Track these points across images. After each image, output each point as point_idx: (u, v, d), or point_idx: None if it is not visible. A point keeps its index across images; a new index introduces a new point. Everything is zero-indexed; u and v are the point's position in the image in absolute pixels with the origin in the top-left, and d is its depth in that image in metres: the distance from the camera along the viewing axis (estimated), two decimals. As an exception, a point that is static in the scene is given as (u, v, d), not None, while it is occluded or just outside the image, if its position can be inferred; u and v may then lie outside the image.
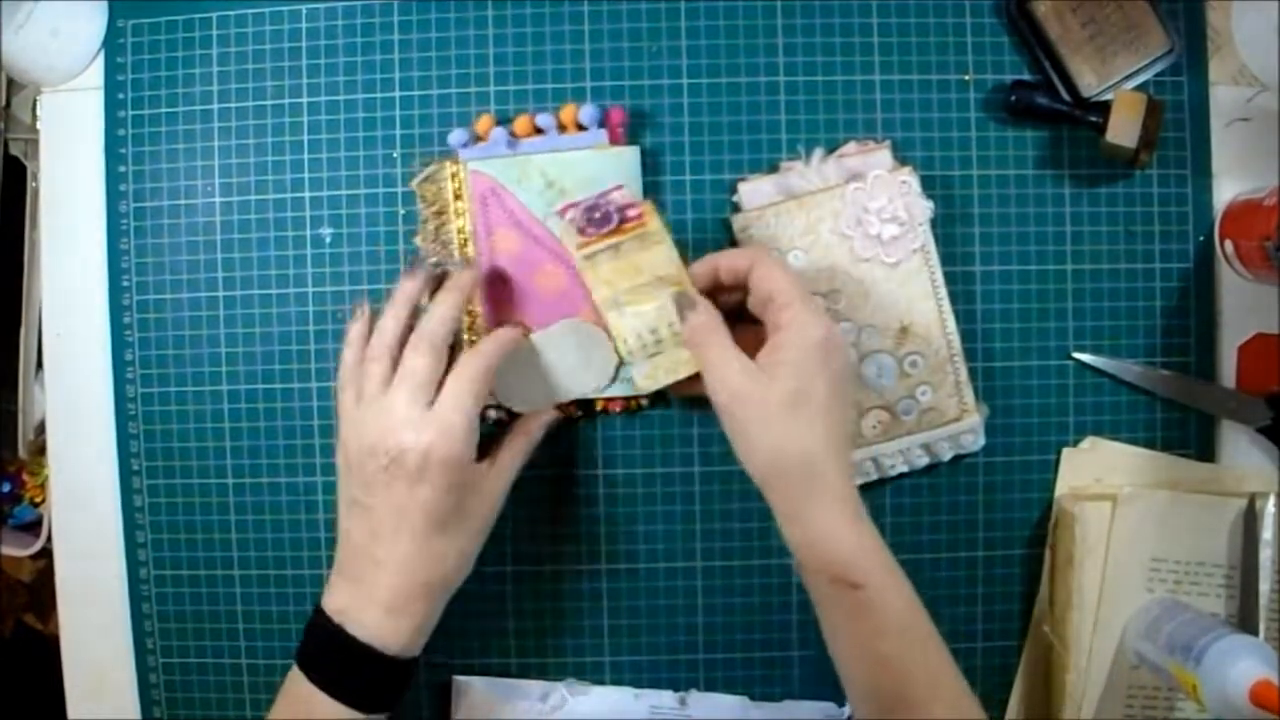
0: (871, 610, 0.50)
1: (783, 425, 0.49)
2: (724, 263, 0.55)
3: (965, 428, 0.62)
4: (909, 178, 0.61)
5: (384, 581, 0.52)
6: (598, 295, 0.57)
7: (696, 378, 0.55)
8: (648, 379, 0.57)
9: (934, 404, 0.62)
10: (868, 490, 0.63)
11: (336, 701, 0.51)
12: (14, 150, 0.73)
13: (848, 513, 0.50)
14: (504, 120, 0.63)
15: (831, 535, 0.50)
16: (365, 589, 0.52)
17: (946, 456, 0.62)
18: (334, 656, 0.52)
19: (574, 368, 0.60)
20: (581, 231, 0.56)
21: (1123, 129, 0.60)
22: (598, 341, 0.59)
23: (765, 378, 0.50)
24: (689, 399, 0.62)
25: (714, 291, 0.56)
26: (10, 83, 0.73)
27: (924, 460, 0.62)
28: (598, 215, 0.56)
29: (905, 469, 0.63)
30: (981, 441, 0.62)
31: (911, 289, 0.61)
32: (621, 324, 0.57)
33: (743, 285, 0.54)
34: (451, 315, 0.54)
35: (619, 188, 0.57)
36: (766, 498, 0.52)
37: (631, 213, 0.56)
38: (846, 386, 0.54)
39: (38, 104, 0.68)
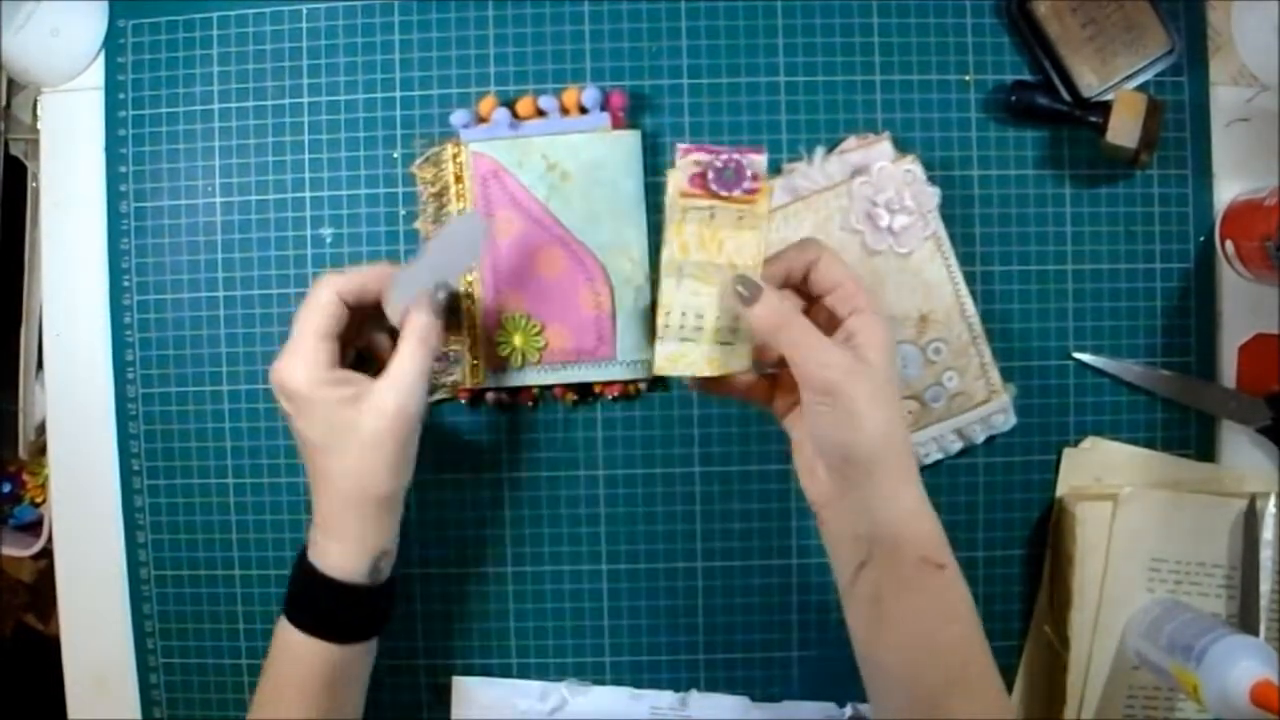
0: (950, 592, 0.50)
1: (890, 404, 0.49)
2: (794, 254, 0.52)
3: (995, 408, 0.62)
4: (912, 166, 0.61)
5: (318, 510, 0.54)
6: (666, 253, 0.52)
7: (719, 379, 0.54)
8: (669, 361, 0.53)
9: (962, 388, 0.62)
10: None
11: (299, 630, 0.53)
12: (14, 150, 0.73)
13: (925, 495, 0.51)
14: (506, 101, 0.63)
15: (923, 514, 0.51)
16: (315, 519, 0.54)
17: (980, 439, 0.63)
18: (295, 585, 0.54)
19: (447, 251, 0.56)
20: (694, 181, 0.51)
21: (1123, 129, 0.60)
22: (468, 224, 0.57)
23: (861, 357, 0.49)
24: (689, 390, 0.63)
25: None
26: (11, 83, 0.72)
27: (958, 445, 0.63)
28: (727, 171, 0.51)
29: (940, 456, 0.63)
30: (1013, 420, 0.63)
31: (927, 277, 0.61)
32: (675, 295, 0.52)
33: (799, 283, 0.53)
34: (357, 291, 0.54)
35: (760, 151, 0.51)
36: (859, 483, 0.50)
37: (752, 185, 0.51)
38: None
39: (38, 104, 0.68)
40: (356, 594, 0.53)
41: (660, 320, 0.52)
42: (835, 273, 0.51)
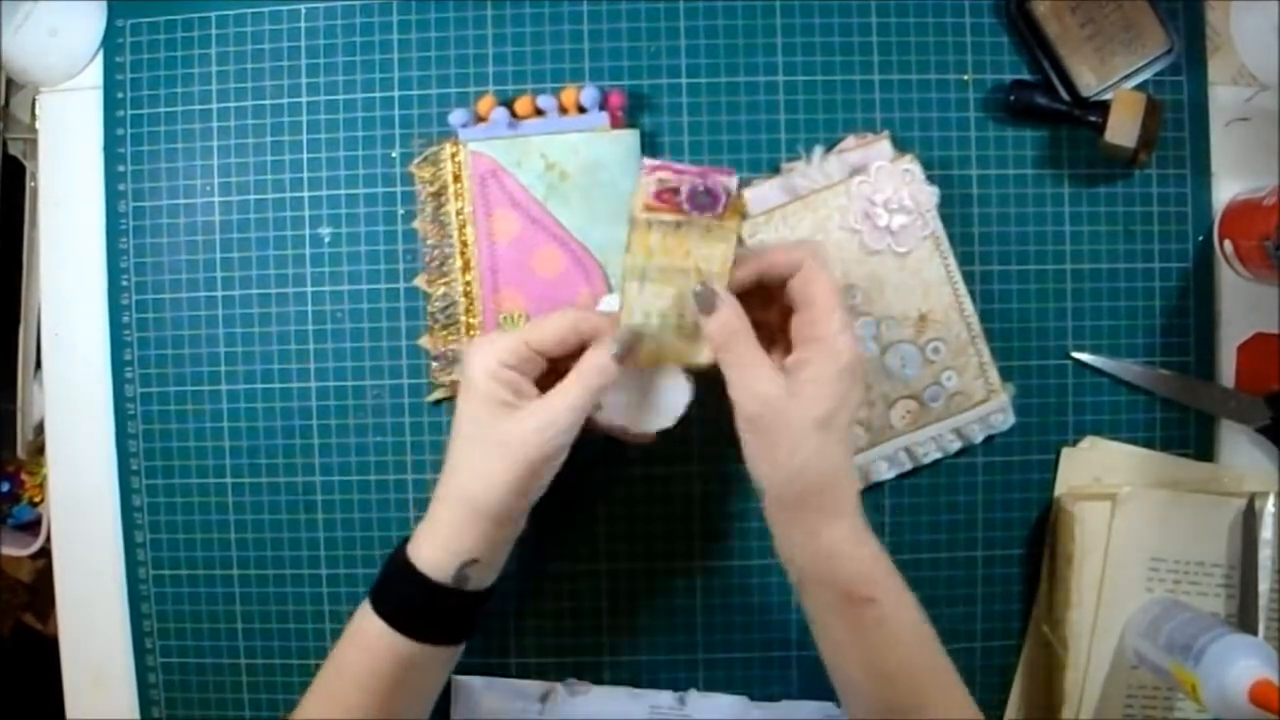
0: (884, 624, 0.50)
1: (814, 444, 0.48)
2: (776, 258, 0.52)
3: (994, 408, 0.62)
4: (911, 165, 0.61)
5: (434, 499, 0.53)
6: (629, 259, 0.52)
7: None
8: (647, 358, 0.54)
9: (960, 388, 0.62)
10: (869, 491, 0.63)
11: (375, 615, 0.52)
12: (13, 150, 0.73)
13: (859, 529, 0.50)
14: (505, 101, 0.63)
15: (846, 551, 0.50)
16: (428, 509, 0.53)
17: (979, 439, 0.63)
18: (385, 569, 0.54)
19: (649, 400, 0.56)
20: (660, 197, 0.50)
21: (1122, 129, 0.60)
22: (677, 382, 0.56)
23: (798, 391, 0.49)
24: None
25: (745, 294, 0.53)
26: (9, 82, 0.72)
27: (956, 445, 0.63)
28: (700, 195, 0.50)
29: (939, 455, 0.63)
30: (1012, 419, 0.63)
31: (926, 276, 0.62)
32: (638, 298, 0.52)
33: (778, 285, 0.52)
34: (558, 338, 0.53)
35: (730, 173, 0.51)
36: (777, 515, 0.51)
37: (722, 209, 0.51)
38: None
39: (37, 103, 0.68)
40: (437, 591, 0.52)
41: (623, 320, 0.52)
42: (812, 290, 0.50)
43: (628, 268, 0.52)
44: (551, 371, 0.53)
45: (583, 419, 0.51)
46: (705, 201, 0.50)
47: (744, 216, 0.52)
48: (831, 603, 0.50)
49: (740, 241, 0.52)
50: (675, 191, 0.50)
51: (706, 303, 0.50)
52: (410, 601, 0.52)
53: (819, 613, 0.52)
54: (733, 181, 0.50)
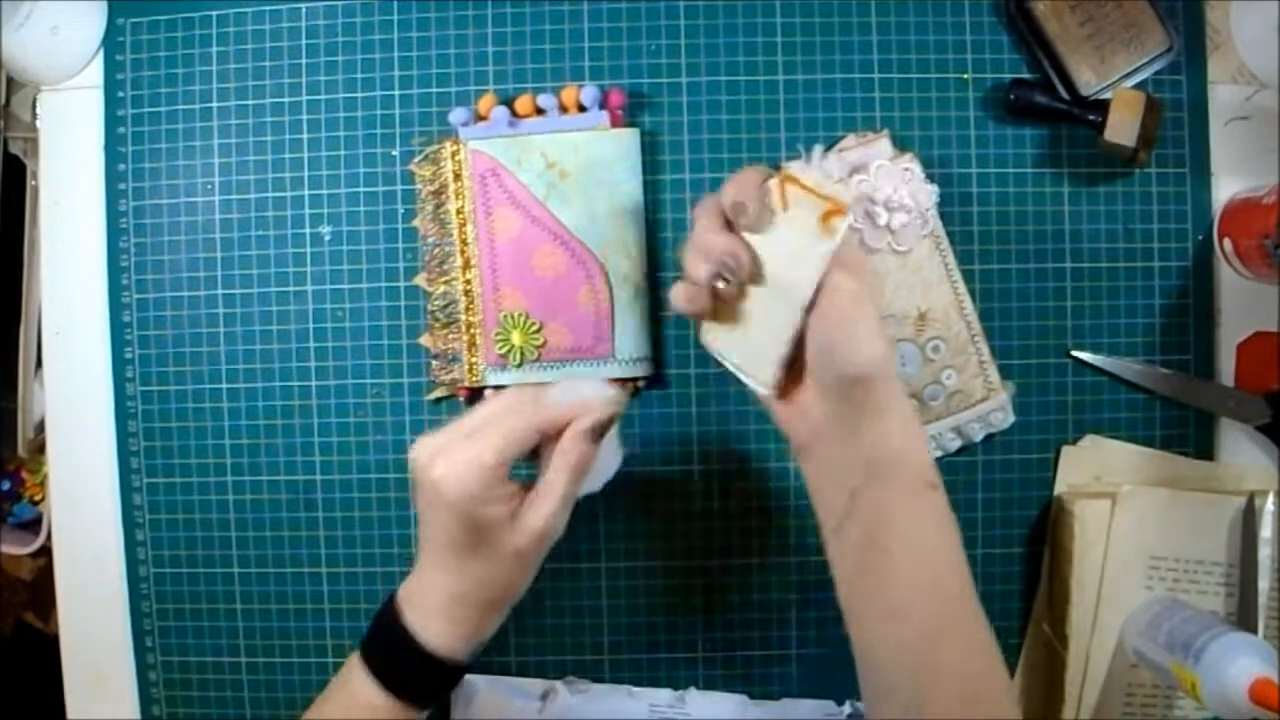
0: (945, 512, 0.49)
1: (882, 324, 0.49)
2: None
3: (994, 406, 0.62)
4: (911, 164, 0.61)
5: (428, 583, 0.53)
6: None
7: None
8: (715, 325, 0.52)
9: (960, 386, 0.62)
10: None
11: (375, 683, 0.52)
12: (13, 149, 0.73)
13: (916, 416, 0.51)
14: (505, 99, 0.63)
15: (919, 432, 0.50)
16: (422, 585, 0.53)
17: (978, 438, 0.63)
18: (388, 642, 0.53)
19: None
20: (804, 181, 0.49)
21: (1122, 127, 0.60)
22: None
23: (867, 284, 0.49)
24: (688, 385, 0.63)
25: None
26: (10, 81, 0.73)
27: (956, 443, 0.63)
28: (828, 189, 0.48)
29: (939, 454, 0.63)
30: (1012, 418, 0.63)
31: (926, 275, 0.62)
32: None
33: None
34: (526, 445, 0.52)
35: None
36: (857, 397, 0.48)
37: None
38: None
39: (37, 102, 0.68)
40: (450, 669, 0.53)
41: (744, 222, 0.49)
42: None
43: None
44: None
45: (573, 503, 0.52)
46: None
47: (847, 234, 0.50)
48: (904, 488, 0.49)
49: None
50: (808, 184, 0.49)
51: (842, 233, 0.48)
52: (420, 678, 0.53)
53: (886, 507, 0.49)
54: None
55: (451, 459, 0.50)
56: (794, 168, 0.49)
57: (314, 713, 0.54)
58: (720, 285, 0.49)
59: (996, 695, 0.48)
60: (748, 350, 0.51)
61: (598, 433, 0.52)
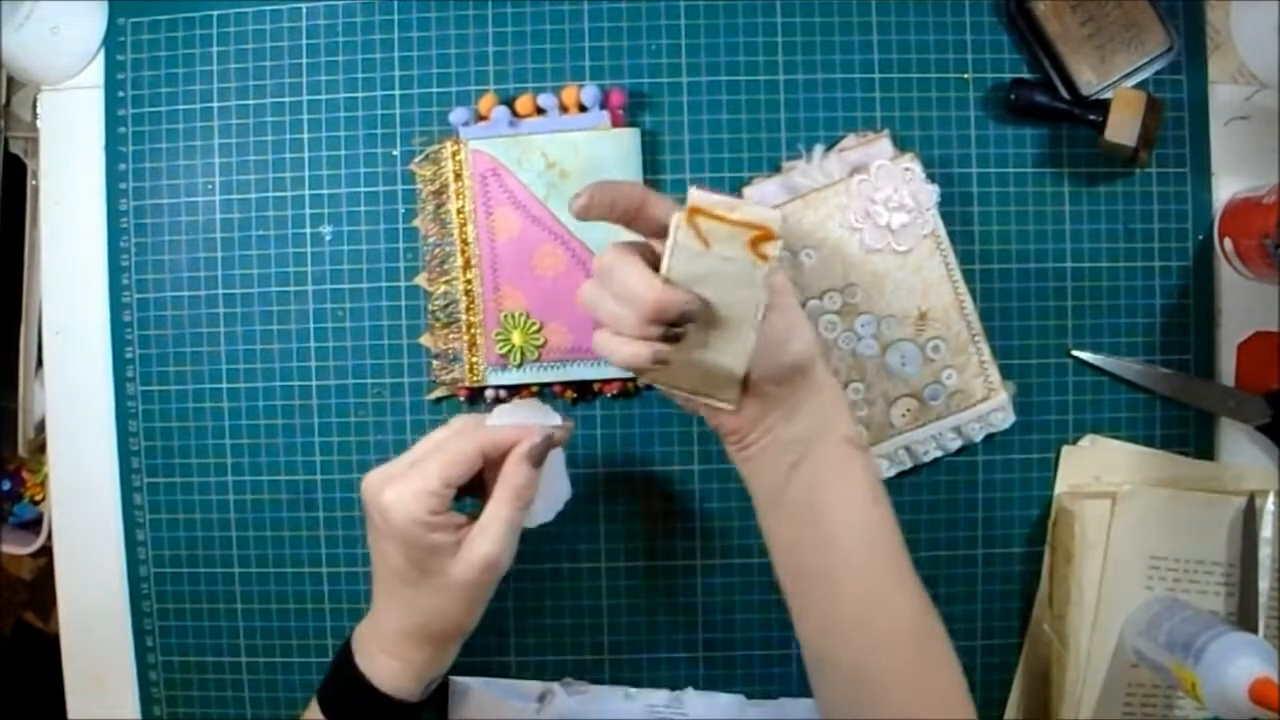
0: (870, 473, 0.51)
1: (802, 312, 0.51)
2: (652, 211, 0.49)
3: (994, 406, 0.62)
4: (911, 164, 0.61)
5: (379, 620, 0.53)
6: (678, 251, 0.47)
7: None
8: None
9: (960, 386, 0.62)
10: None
11: None
12: (14, 148, 0.73)
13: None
14: (506, 99, 0.63)
15: (842, 396, 0.53)
16: (373, 623, 0.54)
17: (978, 437, 0.63)
18: (340, 682, 0.54)
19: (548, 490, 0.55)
20: (713, 209, 0.46)
21: (1122, 127, 0.60)
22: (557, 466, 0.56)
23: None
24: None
25: None
26: (10, 81, 0.73)
27: (957, 443, 0.63)
28: (745, 218, 0.46)
29: (939, 454, 0.63)
30: (1012, 418, 0.63)
31: (926, 274, 0.62)
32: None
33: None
34: (470, 468, 0.52)
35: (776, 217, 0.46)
36: (795, 381, 0.49)
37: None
38: None
39: (38, 102, 0.68)
40: (402, 708, 0.53)
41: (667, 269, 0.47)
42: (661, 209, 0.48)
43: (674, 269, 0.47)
44: None
45: (519, 531, 0.52)
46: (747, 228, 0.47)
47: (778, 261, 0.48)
48: (836, 454, 0.50)
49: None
50: (715, 209, 0.46)
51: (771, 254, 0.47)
52: (354, 703, 0.53)
53: (821, 475, 0.50)
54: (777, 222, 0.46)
55: (397, 486, 0.50)
56: (699, 198, 0.45)
57: None
58: (670, 346, 0.47)
59: (939, 655, 0.51)
60: (700, 376, 0.50)
61: (538, 457, 0.52)
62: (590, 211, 0.48)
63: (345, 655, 0.54)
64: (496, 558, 0.51)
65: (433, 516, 0.50)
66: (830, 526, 0.50)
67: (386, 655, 0.53)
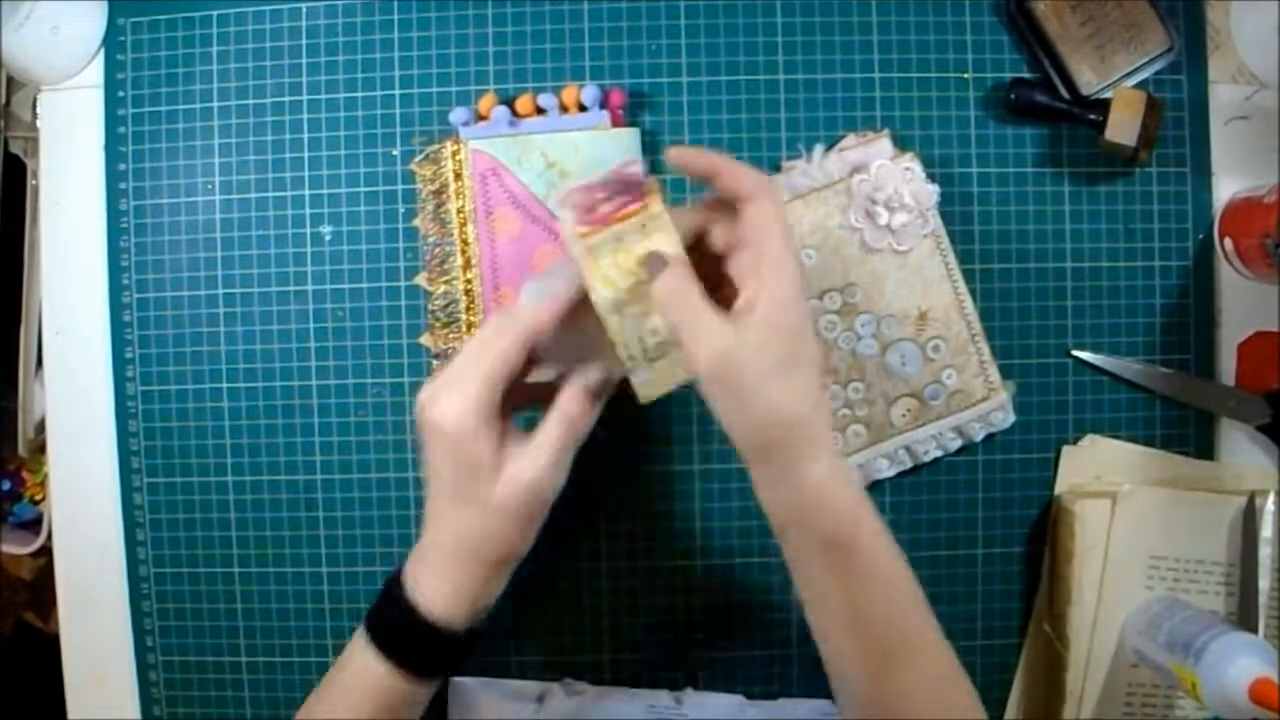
0: (865, 571, 0.48)
1: (777, 387, 0.46)
2: (724, 182, 0.49)
3: (994, 406, 0.62)
4: (911, 164, 0.61)
5: (428, 543, 0.52)
6: (597, 296, 0.50)
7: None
8: (649, 387, 0.52)
9: (960, 386, 0.62)
10: (869, 489, 0.63)
11: (377, 652, 0.52)
12: (14, 148, 0.73)
13: (837, 469, 0.48)
14: (506, 99, 0.63)
15: (826, 495, 0.48)
16: (421, 546, 0.53)
17: (979, 437, 0.63)
18: (388, 609, 0.53)
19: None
20: (582, 219, 0.49)
21: (1122, 127, 0.60)
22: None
23: (749, 338, 0.46)
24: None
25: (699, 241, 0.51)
26: (10, 81, 0.73)
27: (957, 443, 0.63)
28: (617, 188, 0.49)
29: (939, 454, 0.63)
30: (1012, 418, 0.63)
31: (926, 274, 0.62)
32: (623, 329, 0.51)
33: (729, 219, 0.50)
34: (517, 363, 0.51)
35: (634, 162, 0.49)
36: (753, 466, 0.49)
37: (637, 190, 0.49)
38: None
39: (37, 102, 0.68)
40: (450, 638, 0.52)
41: (623, 357, 0.51)
42: (759, 220, 0.48)
43: (602, 306, 0.50)
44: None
45: (573, 452, 0.51)
46: (623, 190, 0.49)
47: (662, 193, 0.51)
48: (813, 549, 0.49)
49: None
50: (593, 207, 0.49)
51: (655, 268, 0.48)
52: (420, 646, 0.52)
53: (800, 561, 0.49)
54: (636, 169, 0.49)
55: (439, 396, 0.50)
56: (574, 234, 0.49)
57: (325, 684, 0.54)
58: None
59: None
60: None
61: (597, 393, 0.51)
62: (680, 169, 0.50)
63: (395, 581, 0.53)
64: (540, 482, 0.50)
65: (478, 420, 0.49)
66: (824, 612, 0.50)
67: (435, 579, 0.51)
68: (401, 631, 0.52)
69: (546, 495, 0.51)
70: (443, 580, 0.51)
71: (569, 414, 0.51)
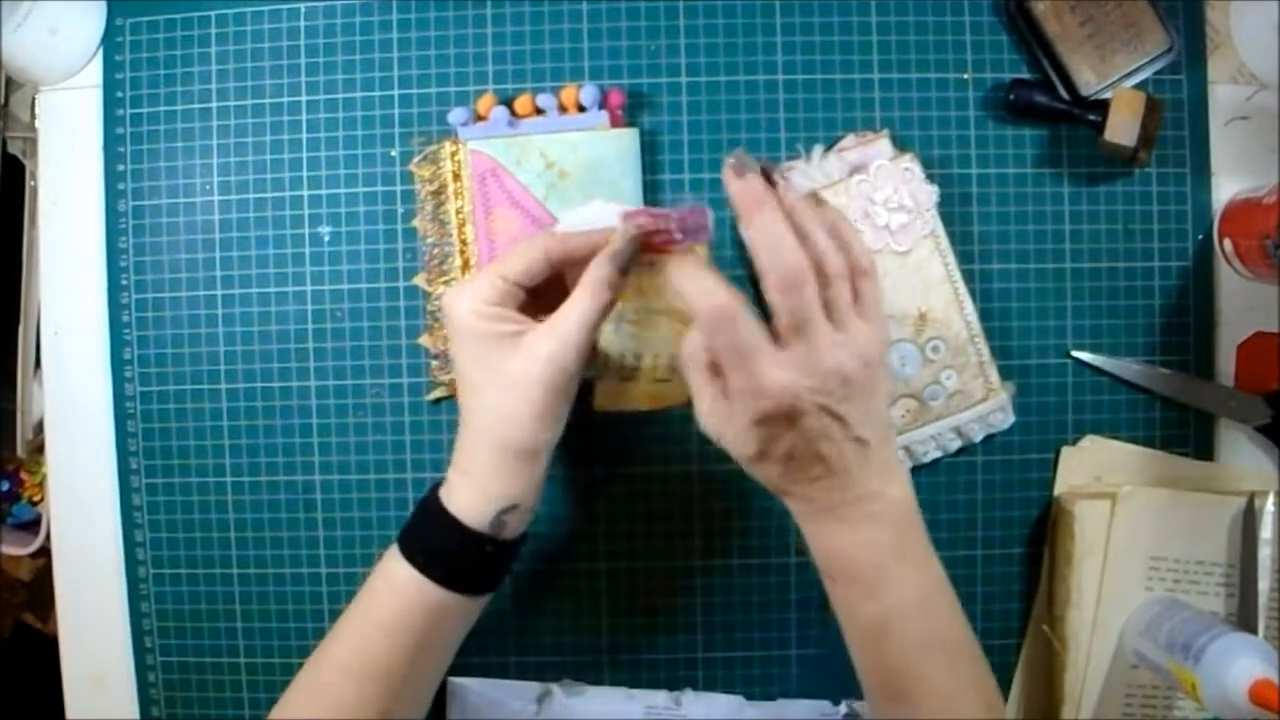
0: (885, 625, 0.50)
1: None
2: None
3: (993, 407, 0.62)
4: (911, 164, 0.61)
5: (457, 446, 0.52)
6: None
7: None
8: (605, 398, 0.55)
9: (960, 387, 0.62)
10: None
11: (405, 562, 0.51)
12: (12, 149, 0.73)
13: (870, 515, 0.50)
14: (504, 100, 0.63)
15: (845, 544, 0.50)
16: (453, 455, 0.53)
17: (978, 438, 0.63)
18: (416, 516, 0.53)
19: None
20: (649, 233, 0.50)
21: (1122, 127, 0.60)
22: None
23: (733, 422, 0.48)
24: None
25: None
26: (9, 81, 0.72)
27: (956, 444, 0.63)
28: (681, 225, 0.50)
29: (938, 454, 0.63)
30: (1011, 419, 0.63)
31: (926, 275, 0.61)
32: (612, 339, 0.53)
33: None
34: (529, 267, 0.52)
35: (708, 212, 0.50)
36: (797, 478, 0.49)
37: (708, 231, 0.51)
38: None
39: (36, 102, 0.68)
40: (474, 540, 0.51)
41: (598, 361, 0.52)
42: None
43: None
44: (531, 305, 0.52)
45: (593, 336, 0.50)
46: (685, 230, 0.50)
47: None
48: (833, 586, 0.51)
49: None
50: (654, 230, 0.50)
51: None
52: (445, 549, 0.51)
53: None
54: (709, 216, 0.50)
55: (464, 285, 0.51)
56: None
57: (355, 606, 0.53)
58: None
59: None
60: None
61: (624, 258, 0.50)
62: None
63: (429, 491, 0.53)
64: (560, 352, 0.49)
65: (487, 306, 0.50)
66: (846, 628, 0.51)
67: (458, 473, 0.51)
68: (427, 532, 0.51)
69: (569, 367, 0.50)
70: (464, 473, 0.51)
71: (592, 280, 0.50)
